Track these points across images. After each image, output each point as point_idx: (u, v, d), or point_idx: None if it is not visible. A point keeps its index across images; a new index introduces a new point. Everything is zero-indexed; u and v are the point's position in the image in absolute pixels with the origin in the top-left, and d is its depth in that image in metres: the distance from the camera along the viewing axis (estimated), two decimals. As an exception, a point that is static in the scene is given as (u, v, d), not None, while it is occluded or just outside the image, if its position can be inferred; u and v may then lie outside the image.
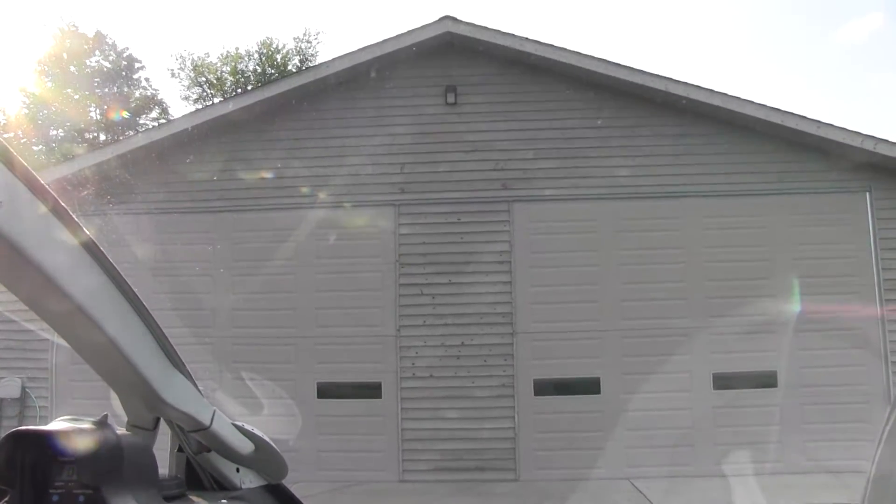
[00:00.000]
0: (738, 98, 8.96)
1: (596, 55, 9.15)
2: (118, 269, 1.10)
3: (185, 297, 8.91)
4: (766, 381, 8.80)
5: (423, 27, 9.28)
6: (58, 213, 0.98)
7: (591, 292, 9.02)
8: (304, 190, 9.21)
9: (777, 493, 7.29)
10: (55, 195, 0.98)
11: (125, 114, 29.58)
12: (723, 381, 8.83)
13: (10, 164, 0.90)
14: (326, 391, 9.08)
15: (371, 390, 9.06)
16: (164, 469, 1.30)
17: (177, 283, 8.97)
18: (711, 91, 8.99)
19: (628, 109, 9.28)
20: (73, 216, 1.01)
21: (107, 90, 30.34)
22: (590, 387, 8.93)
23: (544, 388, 8.95)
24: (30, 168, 0.94)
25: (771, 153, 9.11)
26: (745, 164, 9.09)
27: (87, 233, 1.03)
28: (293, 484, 1.57)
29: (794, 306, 8.77)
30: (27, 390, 9.17)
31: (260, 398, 8.17)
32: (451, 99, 9.32)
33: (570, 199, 9.19)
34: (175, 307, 8.21)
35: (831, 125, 8.83)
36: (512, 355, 8.98)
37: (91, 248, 1.04)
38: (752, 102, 8.95)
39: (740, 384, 8.83)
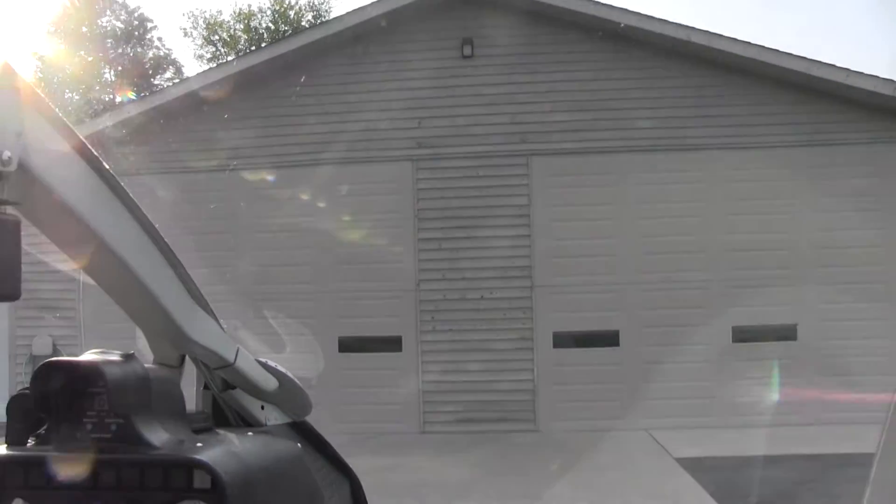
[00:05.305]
0: (762, 47, 8.75)
1: (614, 4, 8.96)
2: (143, 209, 1.11)
3: (205, 255, 8.96)
4: (786, 334, 8.78)
5: (438, -22, 9.13)
6: (79, 149, 0.99)
7: (610, 245, 8.99)
8: (321, 146, 9.19)
9: (794, 444, 7.31)
10: (76, 131, 0.99)
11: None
12: (742, 334, 8.82)
13: (33, 100, 0.91)
14: (347, 345, 9.20)
15: (391, 344, 9.16)
16: (190, 407, 1.33)
17: (196, 242, 9.01)
18: (734, 40, 8.79)
19: (649, 60, 9.11)
20: (97, 155, 1.02)
21: (119, 51, 30.23)
22: (609, 339, 8.97)
23: (563, 340, 9.00)
24: (51, 104, 0.94)
25: (796, 104, 8.92)
26: (769, 116, 8.92)
27: (112, 173, 1.05)
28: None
29: (817, 259, 8.69)
30: (58, 348, 9.38)
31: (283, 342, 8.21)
32: (467, 52, 9.20)
33: (589, 153, 9.11)
34: (194, 266, 8.26)
35: (861, 73, 8.59)
36: (531, 308, 9.01)
37: (118, 189, 1.06)
38: (776, 51, 8.74)
39: (760, 337, 8.82)
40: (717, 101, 9.01)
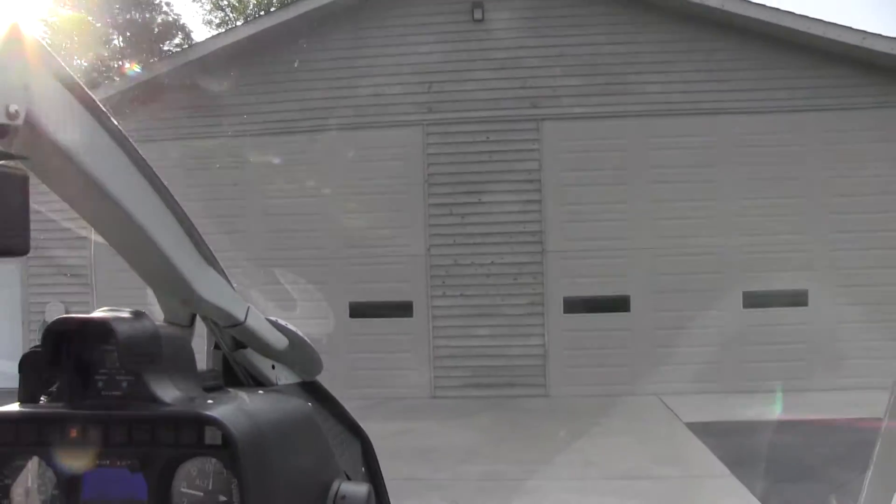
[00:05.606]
0: (777, 10, 8.60)
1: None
2: (152, 167, 1.11)
3: (215, 221, 8.98)
4: (797, 299, 8.75)
5: (448, -60, 8.97)
6: (87, 104, 0.98)
7: (621, 210, 8.95)
8: (330, 112, 9.14)
9: (804, 409, 7.33)
10: (83, 85, 0.98)
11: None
12: (753, 300, 8.80)
13: (41, 54, 0.90)
14: (358, 310, 9.25)
15: (402, 309, 9.21)
16: (201, 367, 1.33)
17: (205, 208, 9.01)
18: (749, 3, 8.63)
19: (660, 24, 8.98)
20: (106, 110, 1.01)
21: (128, 16, 30.00)
22: (619, 305, 8.97)
23: (574, 305, 9.02)
24: (59, 60, 0.94)
25: (810, 68, 8.79)
26: (783, 80, 8.80)
27: (121, 129, 1.04)
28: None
29: (830, 224, 8.63)
30: (70, 314, 9.47)
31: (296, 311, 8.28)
32: (478, 15, 9.09)
33: (600, 117, 9.02)
34: (203, 232, 8.28)
35: (879, 36, 8.43)
36: (542, 273, 9.01)
37: (126, 146, 1.05)
38: (791, 14, 8.59)
39: (770, 303, 8.80)
40: (730, 65, 8.89)
